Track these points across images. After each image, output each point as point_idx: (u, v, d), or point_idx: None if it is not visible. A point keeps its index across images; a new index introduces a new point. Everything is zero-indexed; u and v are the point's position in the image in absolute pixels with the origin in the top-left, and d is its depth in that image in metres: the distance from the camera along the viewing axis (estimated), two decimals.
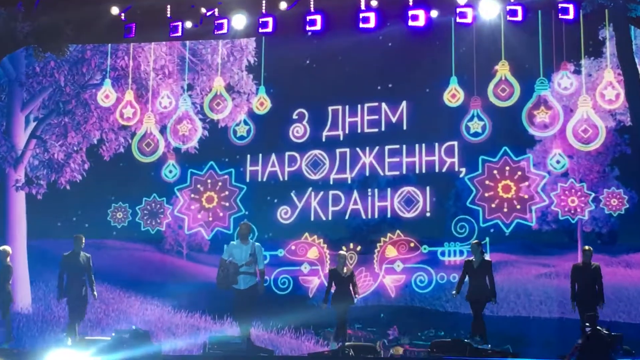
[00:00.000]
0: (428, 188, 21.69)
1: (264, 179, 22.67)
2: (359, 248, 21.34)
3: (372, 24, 19.34)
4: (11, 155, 22.41)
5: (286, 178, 22.55)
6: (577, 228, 20.87)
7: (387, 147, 22.03)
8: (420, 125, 21.85)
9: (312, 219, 22.19)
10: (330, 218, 22.13)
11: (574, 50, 20.81)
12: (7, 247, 17.79)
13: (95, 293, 16.91)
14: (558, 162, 20.87)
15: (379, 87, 22.30)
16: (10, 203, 22.34)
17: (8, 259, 17.33)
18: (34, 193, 22.48)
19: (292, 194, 22.41)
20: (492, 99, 20.85)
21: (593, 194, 20.67)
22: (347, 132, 22.37)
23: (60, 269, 16.83)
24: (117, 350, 14.01)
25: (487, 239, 20.38)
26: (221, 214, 22.53)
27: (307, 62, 22.04)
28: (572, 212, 20.82)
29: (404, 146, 21.94)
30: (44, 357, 13.51)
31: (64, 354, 13.87)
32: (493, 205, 21.21)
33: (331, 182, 22.30)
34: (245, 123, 22.49)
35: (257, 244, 16.21)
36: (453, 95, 21.17)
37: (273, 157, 22.63)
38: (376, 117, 22.16)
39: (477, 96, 20.99)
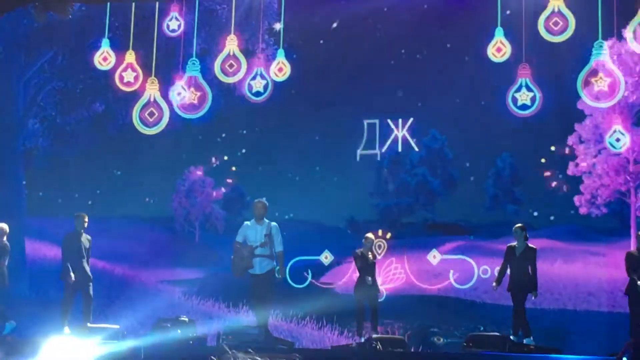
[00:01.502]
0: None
1: None
2: (388, 235, 21.10)
3: None
4: (9, 123, 22.37)
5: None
6: (629, 212, 20.67)
7: (420, 120, 21.88)
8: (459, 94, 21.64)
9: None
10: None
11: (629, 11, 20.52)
12: (3, 225, 17.74)
13: (89, 275, 16.85)
14: (618, 139, 20.56)
15: (417, 56, 22.11)
16: (8, 175, 22.34)
17: (5, 237, 17.30)
18: (33, 165, 22.43)
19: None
20: (543, 33, 20.28)
21: None
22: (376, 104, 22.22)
23: (63, 251, 16.78)
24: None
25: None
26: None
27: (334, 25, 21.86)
28: (625, 194, 20.62)
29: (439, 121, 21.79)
30: (41, 346, 13.45)
31: (63, 342, 13.81)
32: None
33: (358, 158, 22.15)
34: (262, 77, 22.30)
35: (273, 223, 15.98)
36: (498, 49, 20.79)
37: None
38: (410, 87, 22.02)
39: (526, 63, 20.70)
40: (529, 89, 18.47)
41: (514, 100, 18.32)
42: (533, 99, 18.21)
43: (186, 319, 15.67)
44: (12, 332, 16.81)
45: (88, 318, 16.39)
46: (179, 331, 14.95)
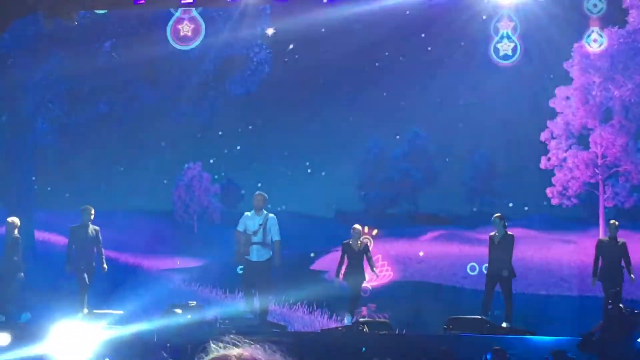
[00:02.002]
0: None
1: None
2: (374, 232, 20.99)
3: None
4: (20, 122, 22.30)
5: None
6: (598, 203, 20.68)
7: (403, 119, 21.88)
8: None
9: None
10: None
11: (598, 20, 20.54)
12: (15, 219, 17.65)
13: (105, 266, 16.78)
14: (595, 40, 20.38)
15: (400, 58, 22.10)
16: (19, 173, 22.26)
17: (16, 230, 17.22)
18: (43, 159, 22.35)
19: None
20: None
21: (615, 168, 20.46)
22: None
23: (69, 241, 16.72)
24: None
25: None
26: None
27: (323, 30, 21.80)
28: (594, 186, 20.63)
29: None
30: (51, 331, 13.40)
31: (71, 327, 13.77)
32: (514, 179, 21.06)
33: (346, 154, 22.15)
34: None
35: (271, 215, 15.98)
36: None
37: None
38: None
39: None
40: (510, 40, 18.25)
41: (496, 50, 18.11)
42: (514, 49, 18.02)
43: (194, 304, 15.69)
44: (26, 322, 16.76)
45: (82, 304, 16.34)
46: (189, 316, 14.94)
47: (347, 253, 16.78)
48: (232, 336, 2.44)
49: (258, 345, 2.36)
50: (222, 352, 2.38)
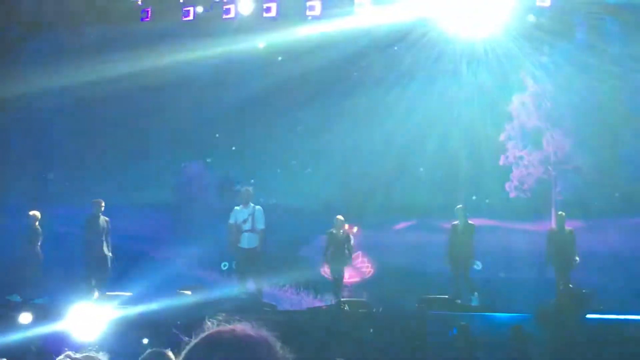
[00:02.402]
0: None
1: None
2: (355, 229, 20.84)
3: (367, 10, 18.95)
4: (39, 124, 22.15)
5: None
6: (551, 196, 20.72)
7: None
8: None
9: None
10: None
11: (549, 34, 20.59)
12: (36, 212, 17.57)
13: (110, 254, 16.70)
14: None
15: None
16: (39, 171, 22.14)
17: (37, 222, 17.15)
18: None
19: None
20: None
21: (565, 165, 20.51)
22: None
23: (84, 231, 16.66)
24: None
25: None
26: None
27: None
28: (547, 181, 20.67)
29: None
30: (68, 311, 13.34)
31: (86, 307, 13.72)
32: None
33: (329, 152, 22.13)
34: None
35: (257, 207, 16.05)
36: None
37: None
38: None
39: None
40: None
41: None
42: None
43: (198, 287, 15.89)
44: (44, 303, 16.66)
45: (104, 287, 16.29)
46: (192, 297, 14.98)
47: (331, 240, 16.76)
48: (224, 315, 2.47)
49: (246, 322, 2.35)
50: (215, 328, 2.35)
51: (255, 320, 2.43)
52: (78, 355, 3.69)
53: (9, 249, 17.80)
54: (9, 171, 21.72)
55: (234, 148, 23.63)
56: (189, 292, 15.20)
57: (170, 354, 6.94)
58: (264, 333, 2.35)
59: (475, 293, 15.60)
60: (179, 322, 12.26)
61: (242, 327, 2.34)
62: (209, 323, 2.41)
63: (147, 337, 12.97)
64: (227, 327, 2.35)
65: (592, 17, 19.01)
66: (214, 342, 2.30)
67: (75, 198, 21.63)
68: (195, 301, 15.32)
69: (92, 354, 3.76)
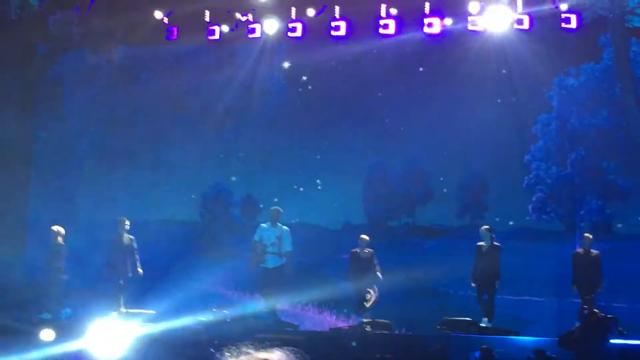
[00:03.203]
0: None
1: None
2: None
3: (391, 30, 18.95)
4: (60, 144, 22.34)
5: None
6: (575, 219, 20.55)
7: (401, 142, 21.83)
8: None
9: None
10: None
11: (575, 55, 20.50)
12: (59, 227, 17.65)
13: (140, 270, 16.75)
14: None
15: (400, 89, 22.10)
16: (62, 189, 22.26)
17: (59, 238, 17.21)
18: None
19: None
20: None
21: (589, 187, 20.36)
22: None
23: (108, 249, 16.73)
24: None
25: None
26: None
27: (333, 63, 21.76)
28: (571, 204, 20.52)
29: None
30: (90, 328, 13.37)
31: (108, 324, 13.74)
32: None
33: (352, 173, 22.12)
34: None
35: (285, 227, 16.01)
36: None
37: None
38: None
39: None
40: None
41: None
42: None
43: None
44: (68, 318, 16.75)
45: (126, 305, 16.32)
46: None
47: (355, 260, 16.71)
48: (258, 340, 2.40)
49: (284, 350, 2.32)
50: (255, 355, 2.32)
51: (276, 341, 2.38)
52: None
53: (35, 266, 17.94)
54: (36, 188, 21.89)
55: (259, 167, 23.68)
56: (225, 311, 15.19)
57: None
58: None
59: (485, 319, 15.45)
60: (216, 342, 12.25)
61: (271, 356, 2.29)
62: (246, 349, 2.35)
63: (169, 356, 12.98)
64: (261, 355, 2.30)
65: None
66: None
67: (100, 215, 21.75)
68: (220, 320, 15.33)
69: None
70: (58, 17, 19.25)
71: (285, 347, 2.37)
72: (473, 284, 16.08)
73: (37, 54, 19.72)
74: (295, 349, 2.38)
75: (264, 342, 2.39)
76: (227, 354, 2.36)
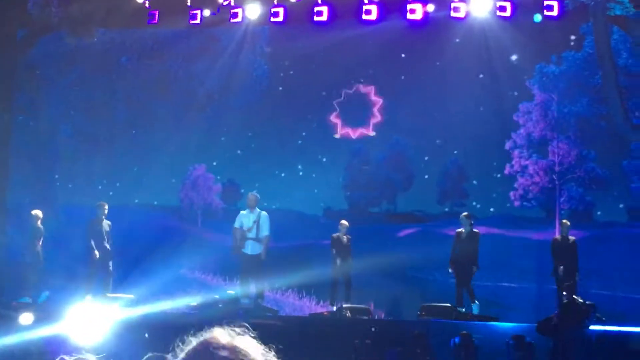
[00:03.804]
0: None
1: None
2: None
3: (373, 16, 18.85)
4: (45, 127, 22.12)
5: None
6: (555, 205, 20.64)
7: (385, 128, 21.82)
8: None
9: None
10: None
11: (556, 44, 20.55)
12: (38, 211, 17.54)
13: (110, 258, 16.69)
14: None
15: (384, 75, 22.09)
16: (44, 171, 22.08)
17: (39, 222, 17.13)
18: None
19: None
20: None
21: (570, 175, 20.44)
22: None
23: (87, 234, 16.63)
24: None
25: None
26: None
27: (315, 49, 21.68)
28: (551, 190, 20.60)
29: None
30: (69, 312, 13.28)
31: (87, 308, 13.65)
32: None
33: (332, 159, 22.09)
34: None
35: (263, 212, 15.98)
36: None
37: None
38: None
39: None
40: None
41: None
42: None
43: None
44: (46, 300, 16.68)
45: (107, 289, 16.26)
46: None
47: (336, 245, 16.69)
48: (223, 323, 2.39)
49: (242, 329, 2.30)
50: (211, 337, 2.28)
51: (255, 326, 2.37)
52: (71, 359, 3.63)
53: (16, 250, 17.82)
54: (15, 171, 21.70)
55: (239, 152, 23.60)
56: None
57: (169, 358, 6.87)
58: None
59: (477, 302, 15.52)
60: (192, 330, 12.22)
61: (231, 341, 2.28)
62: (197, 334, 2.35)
63: (148, 340, 12.92)
64: (224, 339, 2.29)
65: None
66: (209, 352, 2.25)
67: (79, 199, 21.64)
68: (198, 305, 15.29)
69: (86, 357, 3.70)
70: None
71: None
72: (450, 270, 16.12)
73: (15, 38, 19.49)
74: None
75: (241, 328, 2.37)
76: (191, 338, 2.34)
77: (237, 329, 2.32)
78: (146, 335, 12.63)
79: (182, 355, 2.31)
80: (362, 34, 20.58)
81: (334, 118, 22.45)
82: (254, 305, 15.42)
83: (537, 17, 17.63)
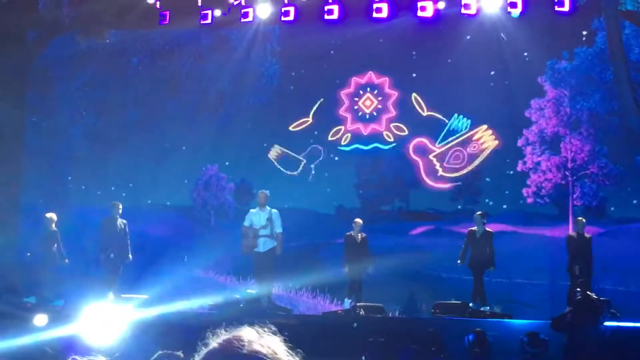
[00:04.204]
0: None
1: None
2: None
3: (384, 14, 18.83)
4: (57, 128, 22.17)
5: None
6: (568, 201, 20.57)
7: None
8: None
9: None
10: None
11: (568, 39, 20.47)
12: (52, 214, 17.63)
13: (130, 256, 16.73)
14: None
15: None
16: (57, 174, 22.12)
17: (53, 224, 17.20)
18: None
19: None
20: None
21: (583, 171, 20.36)
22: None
23: (100, 231, 16.70)
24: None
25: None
26: None
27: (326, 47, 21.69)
28: (564, 187, 20.54)
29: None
30: (83, 313, 13.33)
31: (101, 309, 13.69)
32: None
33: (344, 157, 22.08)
34: None
35: (274, 210, 15.99)
36: None
37: None
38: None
39: None
40: None
41: None
42: None
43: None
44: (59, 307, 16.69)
45: (118, 289, 16.29)
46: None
47: (349, 243, 16.72)
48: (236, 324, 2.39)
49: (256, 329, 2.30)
50: (229, 338, 2.28)
51: (269, 325, 2.37)
52: None
53: (26, 251, 17.88)
54: (29, 172, 21.80)
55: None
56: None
57: (181, 355, 6.86)
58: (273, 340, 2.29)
59: (487, 307, 15.52)
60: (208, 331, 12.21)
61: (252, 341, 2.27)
62: (223, 332, 2.35)
63: (162, 341, 12.94)
64: (242, 339, 2.28)
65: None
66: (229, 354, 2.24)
67: (92, 200, 21.72)
68: (217, 304, 15.30)
69: (98, 358, 3.72)
70: (48, 0, 19.10)
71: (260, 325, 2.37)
72: (459, 261, 16.23)
73: (27, 39, 19.57)
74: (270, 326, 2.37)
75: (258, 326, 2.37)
76: (214, 336, 2.35)
77: (265, 329, 2.32)
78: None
79: (205, 351, 2.31)
80: (372, 32, 20.58)
81: (343, 112, 22.42)
82: (267, 303, 15.45)
83: (515, 13, 17.57)
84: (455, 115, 21.15)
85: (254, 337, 2.29)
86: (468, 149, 21.10)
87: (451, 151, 21.22)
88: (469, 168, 21.04)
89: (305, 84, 22.41)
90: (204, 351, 2.30)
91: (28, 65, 19.85)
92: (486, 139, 20.82)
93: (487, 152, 20.87)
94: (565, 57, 20.65)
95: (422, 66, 21.60)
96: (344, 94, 22.44)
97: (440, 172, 21.26)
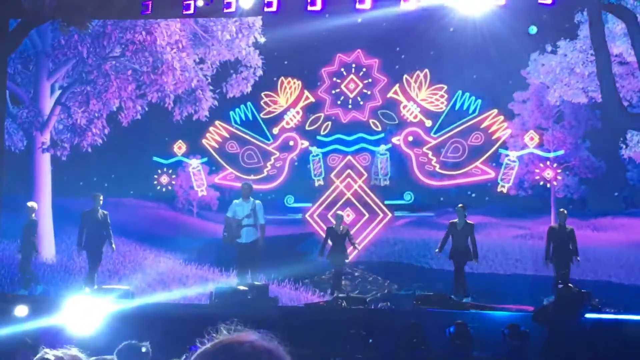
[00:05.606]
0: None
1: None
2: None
3: (367, 4, 18.76)
4: (38, 120, 21.95)
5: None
6: (550, 194, 20.66)
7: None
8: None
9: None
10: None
11: (551, 32, 20.51)
12: (33, 203, 17.57)
13: (113, 246, 16.65)
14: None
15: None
16: (37, 164, 21.95)
17: (33, 214, 17.13)
18: (59, 155, 21.99)
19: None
20: None
21: (566, 163, 20.45)
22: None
23: (81, 224, 16.61)
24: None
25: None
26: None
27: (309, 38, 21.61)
28: (546, 179, 20.60)
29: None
30: (64, 304, 13.26)
31: (82, 300, 13.63)
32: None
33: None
34: None
35: (257, 201, 15.98)
36: None
37: None
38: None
39: None
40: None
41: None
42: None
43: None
44: (41, 293, 16.67)
45: (91, 282, 16.21)
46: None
47: (331, 236, 16.80)
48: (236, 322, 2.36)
49: (257, 332, 2.25)
50: (231, 337, 2.26)
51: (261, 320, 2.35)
52: (57, 353, 3.61)
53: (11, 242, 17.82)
54: (10, 163, 21.66)
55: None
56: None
57: (146, 347, 6.78)
58: (278, 347, 2.25)
59: (469, 297, 15.60)
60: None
61: (256, 339, 2.24)
62: (224, 331, 2.32)
63: (143, 332, 12.89)
64: (244, 337, 2.25)
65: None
66: (230, 352, 2.20)
67: (73, 192, 21.61)
68: (196, 295, 15.28)
69: (71, 351, 3.68)
70: None
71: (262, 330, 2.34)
72: (437, 251, 16.36)
73: (8, 28, 19.38)
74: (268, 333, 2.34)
75: (245, 323, 2.35)
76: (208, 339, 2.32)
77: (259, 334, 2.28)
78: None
79: (202, 349, 2.27)
80: (356, 23, 20.54)
81: (322, 92, 22.32)
82: (252, 294, 15.41)
83: (532, 29, 17.66)
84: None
85: (251, 337, 2.26)
86: (469, 141, 21.03)
87: (449, 142, 21.15)
88: (469, 168, 20.93)
89: (288, 75, 22.38)
90: (200, 349, 2.27)
91: (8, 55, 19.66)
92: (497, 127, 20.70)
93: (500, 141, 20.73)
94: (547, 50, 20.69)
95: (404, 59, 21.60)
96: (325, 71, 22.34)
97: (436, 169, 21.13)
